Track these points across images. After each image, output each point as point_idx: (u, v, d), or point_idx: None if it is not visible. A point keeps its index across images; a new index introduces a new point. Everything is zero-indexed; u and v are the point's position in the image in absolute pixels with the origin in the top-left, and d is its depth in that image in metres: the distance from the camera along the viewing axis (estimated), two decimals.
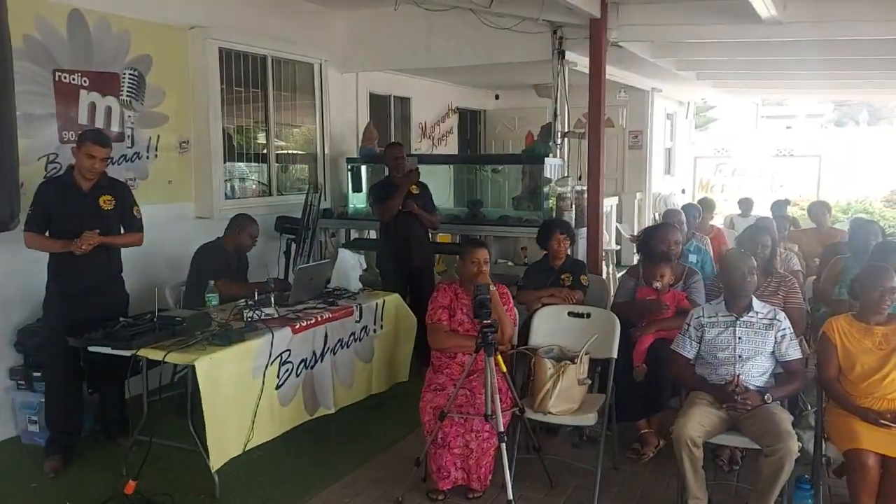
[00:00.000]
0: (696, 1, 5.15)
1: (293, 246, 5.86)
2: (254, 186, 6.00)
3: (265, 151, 6.05)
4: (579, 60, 6.16)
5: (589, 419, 3.39)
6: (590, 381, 3.50)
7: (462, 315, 3.66)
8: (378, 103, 7.54)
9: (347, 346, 4.28)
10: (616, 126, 9.15)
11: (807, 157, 13.53)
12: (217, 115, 5.28)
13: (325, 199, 6.43)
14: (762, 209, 8.64)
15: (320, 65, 6.34)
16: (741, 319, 3.19)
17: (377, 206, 5.26)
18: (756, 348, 3.14)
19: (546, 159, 5.77)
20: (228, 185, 5.63)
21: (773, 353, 3.16)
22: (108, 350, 3.37)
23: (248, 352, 3.51)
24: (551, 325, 3.78)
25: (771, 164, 13.74)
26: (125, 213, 3.86)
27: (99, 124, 4.46)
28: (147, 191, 4.75)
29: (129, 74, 4.67)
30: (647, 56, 6.36)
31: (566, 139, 6.10)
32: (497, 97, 9.84)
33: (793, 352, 3.15)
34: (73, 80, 4.32)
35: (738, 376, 3.06)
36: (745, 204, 8.24)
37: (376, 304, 4.53)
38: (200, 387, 3.23)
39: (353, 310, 4.29)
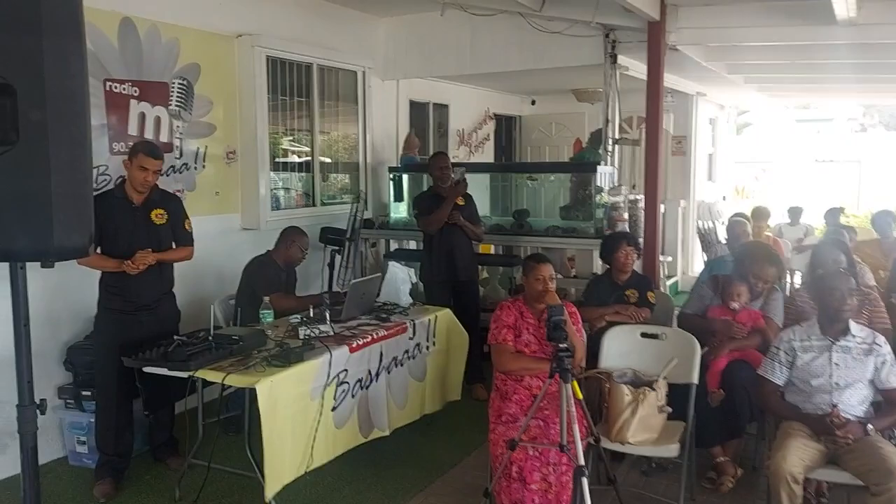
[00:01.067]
0: (763, 2, 4.94)
1: (337, 257, 5.73)
2: (298, 196, 5.87)
3: (309, 160, 5.92)
4: (631, 65, 5.98)
5: (671, 450, 3.20)
6: (670, 410, 3.30)
7: (529, 335, 3.48)
8: (417, 111, 7.41)
9: (401, 365, 4.13)
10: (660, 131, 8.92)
11: (845, 163, 13.20)
12: (264, 124, 5.17)
13: (367, 209, 6.29)
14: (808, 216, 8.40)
15: (363, 72, 6.22)
16: (838, 344, 2.98)
17: (422, 218, 5.11)
18: (854, 375, 2.93)
19: (598, 167, 5.58)
20: (273, 195, 5.51)
21: (871, 380, 2.95)
22: (164, 371, 3.25)
23: (308, 372, 3.37)
24: (623, 347, 3.59)
25: (809, 170, 13.43)
26: (177, 227, 3.76)
27: (148, 135, 4.36)
28: (195, 202, 4.64)
29: (179, 84, 4.57)
30: (700, 59, 6.15)
31: (617, 146, 5.91)
32: (533, 103, 9.67)
33: (894, 379, 2.94)
34: (124, 89, 4.22)
35: (837, 407, 2.85)
36: (795, 212, 7.99)
37: (429, 321, 4.37)
38: (261, 410, 3.09)
39: (406, 326, 4.14)
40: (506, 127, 9.48)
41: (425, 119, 7.59)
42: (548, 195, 6.41)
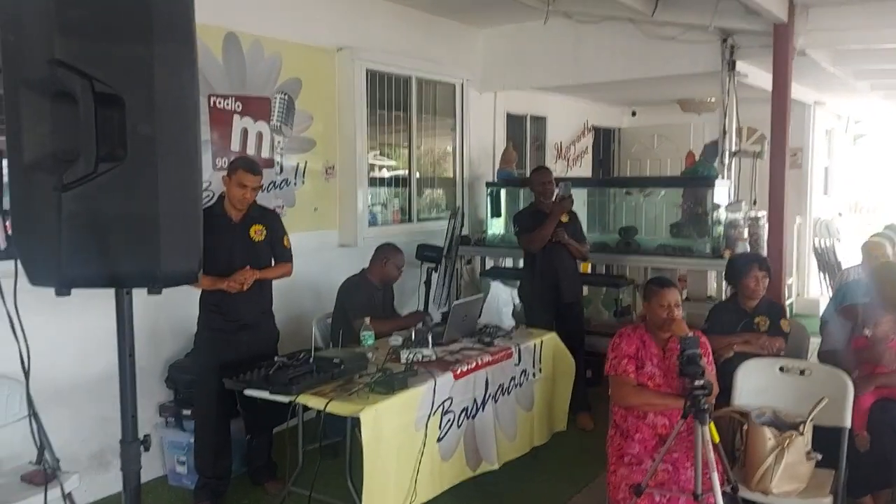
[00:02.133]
0: None
1: (433, 275, 5.54)
2: (395, 213, 5.74)
3: (406, 175, 5.79)
4: (750, 72, 5.53)
5: (823, 503, 2.79)
6: (819, 457, 2.89)
7: (652, 367, 3.15)
8: (513, 123, 7.17)
9: (508, 393, 3.87)
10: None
11: None
12: (363, 138, 5.07)
13: (464, 226, 6.08)
14: None
15: (462, 84, 6.04)
16: None
17: (523, 235, 4.84)
18: None
19: (717, 182, 5.16)
20: (370, 211, 5.39)
21: None
22: (265, 395, 3.12)
23: (412, 400, 3.17)
24: (759, 382, 3.20)
25: None
26: (276, 244, 3.66)
27: (250, 151, 4.32)
28: (294, 218, 4.57)
29: (280, 98, 4.52)
30: (827, 65, 5.63)
31: (734, 159, 5.46)
32: (634, 114, 9.25)
33: None
34: (227, 105, 4.20)
35: None
36: None
37: (534, 345, 4.10)
38: (364, 441, 2.91)
39: (512, 351, 3.88)
40: (604, 140, 9.10)
41: (522, 132, 7.34)
42: (655, 212, 6.01)
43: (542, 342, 4.15)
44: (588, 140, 8.40)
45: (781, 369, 3.21)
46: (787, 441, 2.79)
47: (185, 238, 1.57)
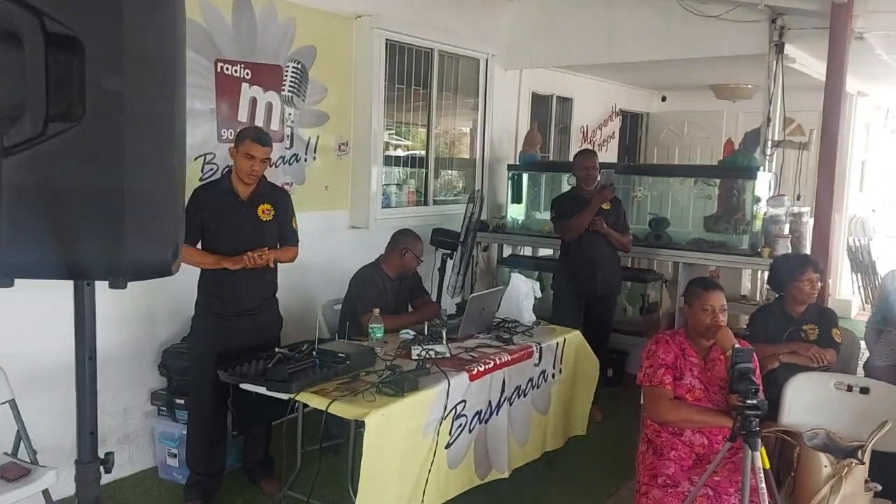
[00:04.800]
0: None
1: (448, 262, 5.23)
2: (410, 194, 5.42)
3: (423, 155, 5.46)
4: (799, 56, 5.14)
5: None
6: (878, 487, 2.58)
7: (692, 378, 2.83)
8: (538, 104, 6.80)
9: (524, 395, 3.57)
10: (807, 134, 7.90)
11: None
12: (380, 114, 4.74)
13: (482, 210, 5.75)
14: None
15: (486, 60, 5.68)
16: None
17: (561, 222, 4.52)
18: None
19: (759, 173, 4.79)
20: (384, 191, 5.07)
21: None
22: (262, 390, 2.84)
23: (423, 404, 2.87)
24: (810, 399, 2.88)
25: None
26: (284, 225, 3.36)
27: (259, 122, 4.01)
28: (303, 197, 4.26)
29: (293, 67, 4.19)
30: (882, 51, 5.22)
31: (777, 150, 5.09)
32: (664, 99, 8.83)
33: None
34: (236, 71, 3.88)
35: None
36: None
37: (556, 344, 3.79)
38: (365, 448, 2.62)
39: (532, 351, 3.57)
40: (630, 125, 8.71)
41: (547, 113, 6.97)
42: (683, 203, 5.65)
43: (564, 341, 3.84)
44: (615, 125, 8.02)
45: (837, 386, 2.88)
46: (846, 470, 2.47)
47: (157, 221, 1.26)
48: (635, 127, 8.83)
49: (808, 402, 2.86)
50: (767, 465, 2.40)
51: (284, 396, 2.79)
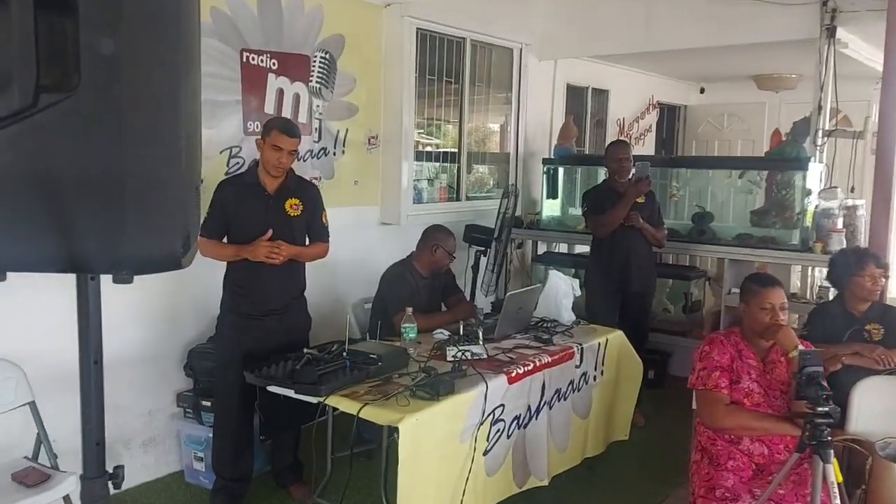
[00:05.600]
0: None
1: (481, 259, 5.05)
2: (442, 189, 5.25)
3: (455, 150, 5.28)
4: (851, 41, 4.85)
5: None
6: None
7: (750, 382, 2.62)
8: (573, 96, 6.57)
9: (565, 399, 3.38)
10: (855, 126, 7.54)
11: None
12: (410, 106, 4.58)
13: (517, 206, 5.56)
14: None
15: (520, 50, 5.48)
16: None
17: (593, 217, 4.32)
18: None
19: (811, 165, 4.52)
20: (415, 187, 4.91)
21: None
22: (290, 393, 2.69)
23: (460, 408, 2.70)
24: (881, 405, 2.64)
25: None
26: (313, 220, 3.22)
27: (286, 114, 3.87)
28: (332, 192, 4.11)
29: (321, 57, 4.05)
30: None
31: (828, 139, 4.80)
32: (702, 91, 8.52)
33: None
34: (262, 61, 3.75)
35: None
36: None
37: (598, 344, 3.59)
38: (401, 456, 2.46)
39: (574, 352, 3.38)
40: (667, 118, 8.42)
41: (582, 106, 6.74)
42: (722, 197, 5.39)
43: (606, 341, 3.64)
44: (652, 117, 7.75)
45: None
46: None
47: (163, 207, 1.11)
48: (672, 120, 8.54)
49: (877, 408, 2.63)
50: (840, 479, 2.18)
51: (313, 400, 2.64)
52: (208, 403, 3.39)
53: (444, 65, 4.97)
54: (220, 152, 3.64)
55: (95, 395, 1.25)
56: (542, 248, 5.90)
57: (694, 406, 2.85)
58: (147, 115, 1.07)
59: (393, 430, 2.54)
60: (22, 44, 1.02)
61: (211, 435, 3.30)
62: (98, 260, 1.11)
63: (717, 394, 2.60)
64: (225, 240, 3.10)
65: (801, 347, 2.52)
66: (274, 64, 3.81)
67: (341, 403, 2.60)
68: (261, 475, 3.45)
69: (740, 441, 2.58)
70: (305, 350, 2.94)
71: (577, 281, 4.00)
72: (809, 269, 4.80)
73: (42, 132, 1.04)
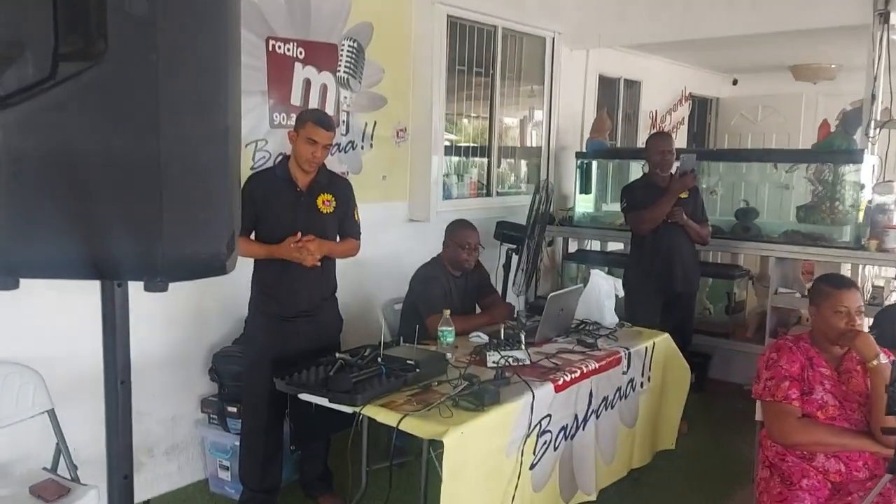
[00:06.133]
0: None
1: (514, 258, 4.85)
2: (472, 185, 5.06)
3: (486, 144, 5.08)
4: None
5: None
6: None
7: (824, 393, 2.40)
8: (605, 88, 6.35)
9: (612, 407, 3.18)
10: None
11: None
12: (441, 97, 4.38)
13: (549, 201, 5.35)
14: None
15: (553, 39, 5.27)
16: None
17: (633, 213, 4.10)
18: None
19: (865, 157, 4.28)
20: (444, 182, 4.72)
21: None
22: (324, 402, 2.51)
23: (506, 419, 2.51)
24: None
25: None
26: (346, 217, 3.04)
27: (313, 105, 3.69)
28: (359, 187, 3.87)
29: (349, 46, 3.86)
30: None
31: (881, 130, 4.55)
32: (735, 82, 8.25)
33: None
34: (288, 50, 3.57)
35: None
36: None
37: (645, 349, 3.38)
38: (445, 473, 2.27)
39: (621, 357, 3.17)
40: (699, 111, 8.16)
41: (614, 98, 6.51)
42: (775, 192, 5.14)
43: (654, 345, 3.43)
44: (685, 110, 7.50)
45: None
46: None
47: (207, 200, 0.92)
48: (704, 113, 8.28)
49: None
50: None
51: (349, 410, 2.46)
52: (234, 409, 3.22)
53: (474, 55, 4.77)
54: (246, 146, 3.47)
55: (123, 420, 1.07)
56: (573, 246, 5.69)
57: (758, 417, 2.65)
58: (187, 87, 0.88)
59: (433, 444, 2.35)
60: (37, 4, 0.84)
61: (236, 443, 3.13)
62: (128, 264, 0.93)
63: (788, 406, 2.39)
64: (252, 236, 2.93)
65: (882, 356, 2.31)
66: (301, 53, 3.63)
67: (379, 414, 2.41)
68: (289, 484, 3.28)
69: (814, 458, 2.36)
70: (338, 354, 2.76)
71: (619, 281, 3.78)
72: (860, 267, 4.55)
73: (61, 109, 0.86)
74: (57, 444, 2.57)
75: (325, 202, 2.93)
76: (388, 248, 4.17)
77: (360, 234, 3.10)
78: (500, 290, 4.68)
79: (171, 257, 0.91)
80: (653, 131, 6.38)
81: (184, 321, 3.32)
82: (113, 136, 0.87)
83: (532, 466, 2.68)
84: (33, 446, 2.66)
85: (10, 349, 2.61)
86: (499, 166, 5.30)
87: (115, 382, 1.06)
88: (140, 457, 3.18)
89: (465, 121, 5.06)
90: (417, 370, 2.64)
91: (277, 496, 3.08)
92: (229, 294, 3.35)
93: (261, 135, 3.52)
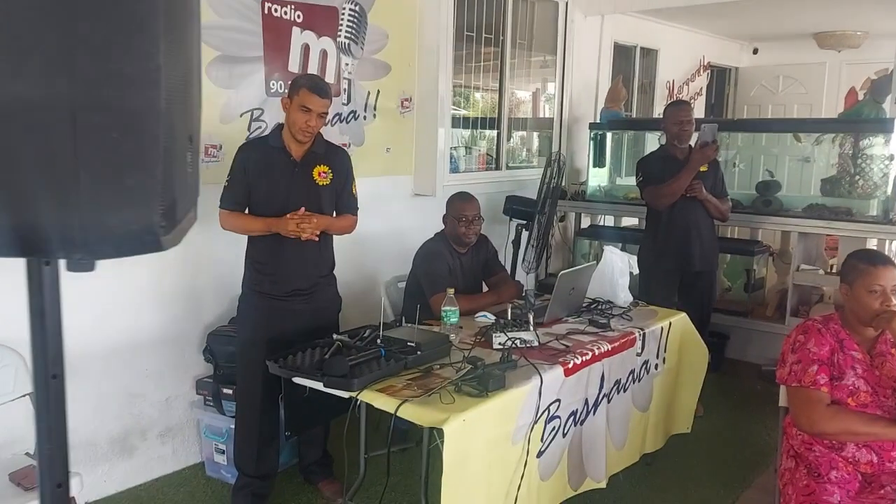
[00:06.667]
0: None
1: (524, 234, 4.67)
2: (481, 158, 4.86)
3: (495, 115, 4.87)
4: None
5: None
6: None
7: (855, 378, 2.22)
8: (620, 57, 6.10)
9: (624, 390, 3.02)
10: None
11: None
12: (448, 64, 4.18)
13: (562, 175, 5.15)
14: None
15: (566, 3, 5.03)
16: None
17: (649, 187, 3.90)
18: None
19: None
20: (451, 155, 4.53)
21: None
22: (319, 386, 2.37)
23: (512, 405, 2.35)
24: None
25: None
26: (343, 190, 2.87)
27: (312, 72, 3.50)
28: (362, 160, 3.76)
29: (350, 9, 3.66)
30: None
31: None
32: (755, 51, 7.95)
33: None
34: (285, 13, 3.38)
35: None
36: None
37: (661, 329, 3.21)
38: (445, 462, 2.12)
39: (635, 338, 3.00)
40: (717, 81, 7.88)
41: (629, 67, 6.27)
42: (793, 165, 4.92)
43: (669, 325, 3.25)
44: (703, 80, 7.23)
45: None
46: None
47: (133, 160, 0.75)
48: (723, 83, 8.01)
49: None
50: None
51: (345, 395, 2.31)
52: (230, 391, 3.09)
53: (483, 21, 4.55)
54: (241, 115, 3.30)
55: (56, 420, 0.92)
56: (585, 222, 5.50)
57: (782, 403, 2.48)
58: (106, 15, 0.70)
59: (435, 432, 2.20)
60: None
61: (232, 426, 3.01)
62: (43, 236, 0.76)
63: (816, 392, 2.21)
64: (247, 212, 2.77)
65: None
66: (299, 16, 3.43)
67: (376, 400, 2.26)
68: (287, 468, 3.16)
69: (843, 447, 2.20)
70: (335, 336, 2.61)
71: (634, 258, 3.59)
72: (888, 242, 4.34)
73: None
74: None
75: (322, 174, 2.76)
76: (391, 223, 4.01)
77: (357, 208, 2.94)
78: (509, 267, 4.52)
79: (91, 230, 0.75)
80: (662, 103, 6.14)
81: (177, 299, 3.18)
82: (10, 75, 0.70)
83: (539, 454, 2.53)
84: (18, 430, 2.53)
85: None
86: (509, 139, 5.10)
87: (45, 377, 0.90)
88: (133, 440, 3.07)
89: (474, 91, 4.86)
90: (419, 352, 2.48)
91: (273, 482, 2.95)
92: (225, 271, 3.22)
93: (256, 104, 3.34)
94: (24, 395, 2.45)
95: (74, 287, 2.67)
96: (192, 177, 0.93)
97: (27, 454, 2.46)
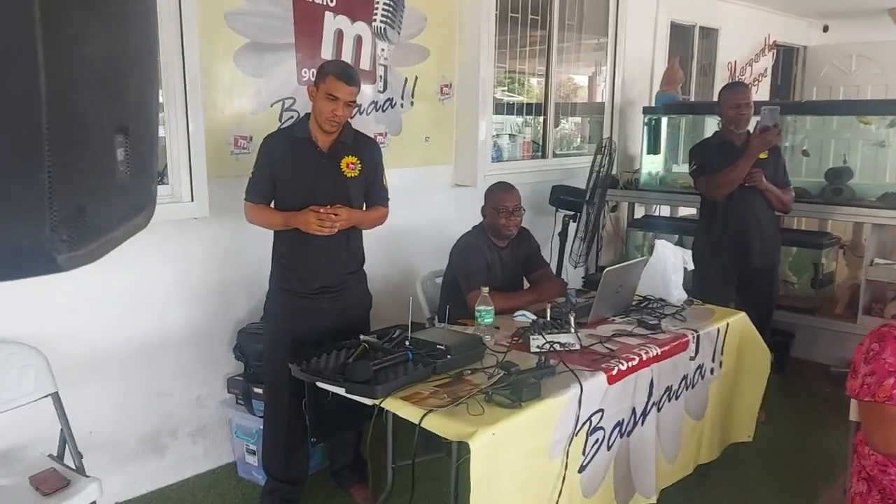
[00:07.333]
0: None
1: (570, 225, 4.45)
2: (525, 145, 4.65)
3: (541, 101, 4.64)
4: None
5: None
6: None
7: None
8: (677, 37, 5.76)
9: (676, 398, 2.78)
10: None
11: None
12: (490, 48, 3.98)
13: (613, 163, 4.89)
14: None
15: None
16: None
17: (703, 176, 3.61)
18: None
19: None
20: (495, 143, 4.33)
21: None
22: (342, 392, 2.23)
23: (549, 417, 2.16)
24: None
25: None
26: (373, 182, 2.72)
27: (346, 59, 3.36)
28: (399, 150, 3.62)
29: None
30: None
31: None
32: (826, 29, 7.44)
33: None
34: None
35: None
36: None
37: (717, 330, 2.95)
38: (473, 479, 1.95)
39: (688, 340, 2.76)
40: (783, 61, 7.41)
41: (687, 48, 5.92)
42: (867, 151, 4.52)
43: (727, 326, 2.99)
44: (768, 60, 6.80)
45: None
46: None
47: (13, 158, 0.60)
48: (789, 64, 7.52)
49: None
50: None
51: (368, 402, 2.17)
52: (260, 391, 3.00)
53: (528, 2, 4.32)
54: (272, 105, 3.18)
55: None
56: (639, 212, 5.22)
57: (853, 417, 2.21)
58: None
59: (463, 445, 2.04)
60: None
61: (262, 426, 2.91)
62: None
63: (893, 409, 1.94)
64: (273, 205, 2.66)
65: None
66: (331, 1, 3.29)
67: (401, 408, 2.11)
68: (318, 472, 3.05)
69: None
70: (362, 337, 2.47)
71: (689, 252, 3.33)
72: None
73: None
74: (61, 430, 2.40)
75: (350, 165, 2.62)
76: (430, 216, 3.85)
77: (388, 200, 2.78)
78: (554, 261, 4.32)
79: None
80: (730, 81, 5.77)
81: (207, 296, 3.10)
82: None
83: (581, 469, 2.34)
84: (41, 431, 2.49)
85: (10, 327, 2.43)
86: (556, 125, 4.86)
87: None
88: (163, 439, 3.01)
89: (518, 76, 4.64)
90: (448, 356, 2.31)
91: (303, 487, 2.84)
92: (256, 267, 3.11)
93: (288, 93, 3.22)
94: (46, 396, 2.41)
95: (95, 287, 2.61)
96: (131, 175, 0.78)
97: (49, 456, 2.41)
